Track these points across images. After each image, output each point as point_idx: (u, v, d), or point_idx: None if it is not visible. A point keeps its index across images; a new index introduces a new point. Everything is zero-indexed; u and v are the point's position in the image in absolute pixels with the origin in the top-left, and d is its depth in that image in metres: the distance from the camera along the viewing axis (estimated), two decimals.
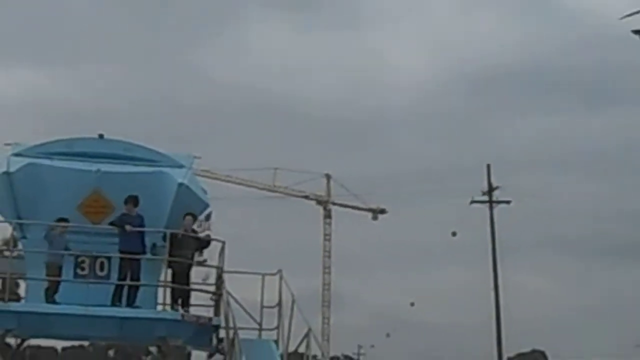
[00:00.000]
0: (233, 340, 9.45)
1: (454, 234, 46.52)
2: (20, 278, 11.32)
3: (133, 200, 10.00)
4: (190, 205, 10.55)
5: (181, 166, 10.65)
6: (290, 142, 79.28)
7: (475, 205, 38.08)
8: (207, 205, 11.58)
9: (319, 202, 58.56)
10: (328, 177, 57.79)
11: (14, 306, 10.12)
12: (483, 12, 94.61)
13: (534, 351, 47.56)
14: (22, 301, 11.08)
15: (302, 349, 9.98)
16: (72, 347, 50.37)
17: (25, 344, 12.89)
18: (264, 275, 10.58)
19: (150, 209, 10.17)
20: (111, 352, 56.33)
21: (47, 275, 9.86)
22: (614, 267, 78.23)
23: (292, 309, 9.88)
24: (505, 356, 36.53)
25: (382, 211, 58.46)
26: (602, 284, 69.39)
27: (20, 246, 10.93)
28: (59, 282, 9.85)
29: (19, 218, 10.44)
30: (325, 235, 58.59)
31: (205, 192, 11.27)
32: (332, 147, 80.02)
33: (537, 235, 65.90)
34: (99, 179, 10.20)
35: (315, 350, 10.45)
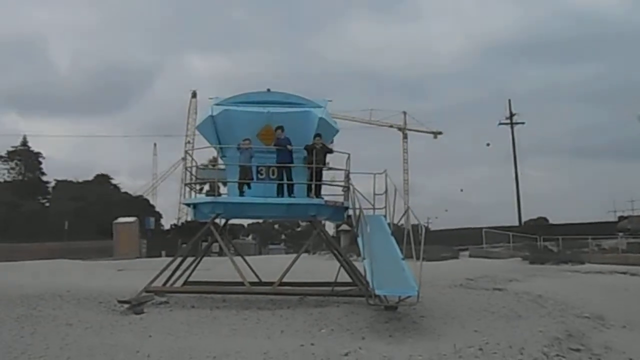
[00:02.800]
0: (359, 216, 14.13)
1: (487, 144, 70.40)
2: (223, 181, 16.57)
3: (280, 128, 14.94)
4: (326, 131, 15.37)
5: (320, 106, 15.47)
6: (378, 93, 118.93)
7: (501, 126, 64.27)
8: (337, 131, 16.30)
9: (399, 129, 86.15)
10: (404, 113, 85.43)
11: (221, 198, 15.40)
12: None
13: (539, 217, 61.16)
14: (225, 196, 16.08)
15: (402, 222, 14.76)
16: (253, 223, 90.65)
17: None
18: (375, 174, 15.36)
19: (301, 135, 14.94)
20: (276, 226, 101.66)
21: (241, 174, 14.92)
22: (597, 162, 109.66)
23: (394, 195, 14.55)
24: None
25: (440, 133, 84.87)
26: (587, 173, 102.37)
27: (220, 162, 16.58)
28: (250, 179, 15.05)
29: (220, 144, 15.70)
30: (403, 150, 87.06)
31: (335, 122, 16.29)
32: (404, 94, 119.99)
33: (540, 144, 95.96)
34: (269, 116, 15.19)
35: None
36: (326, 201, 15.07)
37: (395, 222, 14.67)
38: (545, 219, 60.86)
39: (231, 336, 10.72)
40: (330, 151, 15.39)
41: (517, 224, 56.59)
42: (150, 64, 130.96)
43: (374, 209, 15.14)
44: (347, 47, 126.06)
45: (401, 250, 13.24)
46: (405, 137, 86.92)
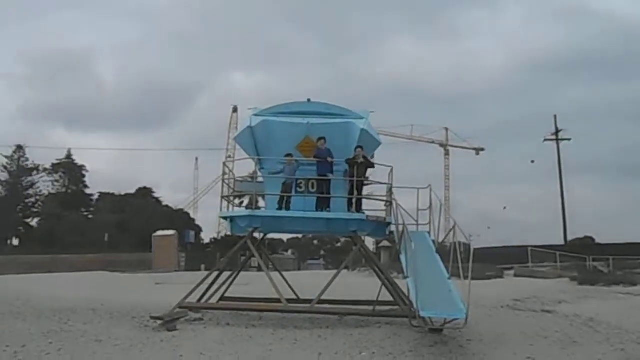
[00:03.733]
0: (402, 232, 13.31)
1: (532, 161, 67.24)
2: (262, 194, 15.97)
3: (322, 139, 14.44)
4: (368, 143, 14.76)
5: (362, 118, 14.87)
6: (419, 109, 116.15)
7: (546, 142, 62.28)
8: (379, 144, 15.67)
9: (441, 145, 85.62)
10: (446, 129, 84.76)
11: (259, 212, 15.04)
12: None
13: (585, 237, 59.89)
14: (263, 209, 15.67)
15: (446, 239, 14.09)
16: (293, 238, 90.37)
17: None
18: (418, 189, 14.75)
19: (342, 147, 14.37)
20: (315, 241, 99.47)
21: (284, 191, 14.39)
22: None
23: (440, 210, 13.87)
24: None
25: (482, 149, 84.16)
26: (633, 192, 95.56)
27: (259, 174, 16.07)
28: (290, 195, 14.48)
29: (258, 156, 15.21)
30: (445, 166, 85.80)
31: (377, 135, 15.56)
32: (446, 110, 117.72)
33: (586, 162, 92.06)
34: (309, 128, 14.72)
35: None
36: (368, 216, 14.45)
37: (440, 239, 13.95)
38: (592, 239, 59.26)
39: (267, 357, 10.14)
40: (372, 165, 14.79)
41: (561, 242, 54.69)
42: (194, 81, 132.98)
43: (417, 224, 14.49)
44: (387, 63, 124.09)
45: (447, 268, 12.52)
46: (447, 153, 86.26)
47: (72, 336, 11.18)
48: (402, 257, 12.86)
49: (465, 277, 10.90)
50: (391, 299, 15.09)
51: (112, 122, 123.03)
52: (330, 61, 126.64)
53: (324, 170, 14.48)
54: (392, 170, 14.69)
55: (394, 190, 14.67)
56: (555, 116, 63.83)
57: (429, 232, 14.28)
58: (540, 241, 47.51)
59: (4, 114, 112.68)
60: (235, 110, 76.83)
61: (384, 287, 14.88)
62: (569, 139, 62.49)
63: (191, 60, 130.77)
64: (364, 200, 14.95)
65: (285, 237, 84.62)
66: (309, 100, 15.29)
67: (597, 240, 57.38)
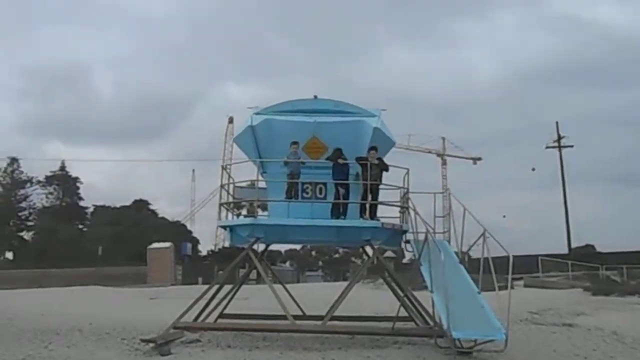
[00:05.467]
0: (425, 240, 11.94)
1: (533, 169, 65.27)
2: (265, 201, 14.56)
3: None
4: (382, 143, 13.45)
5: (374, 115, 13.61)
6: (415, 120, 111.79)
7: (548, 150, 61.10)
8: (393, 143, 14.47)
9: (438, 155, 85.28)
10: (443, 138, 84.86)
11: (262, 220, 13.54)
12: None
13: (586, 245, 57.84)
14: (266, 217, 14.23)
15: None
16: (290, 249, 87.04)
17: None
18: (435, 193, 13.53)
19: (354, 147, 13.08)
20: (313, 252, 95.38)
21: (289, 186, 13.12)
22: None
23: (464, 216, 12.13)
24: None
25: (479, 158, 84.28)
26: (635, 200, 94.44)
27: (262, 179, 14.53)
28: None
29: (260, 158, 13.81)
30: (443, 175, 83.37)
31: (391, 134, 14.15)
32: (443, 119, 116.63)
33: (583, 170, 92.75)
34: (316, 127, 13.43)
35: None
36: (383, 223, 13.05)
37: (465, 248, 12.57)
38: (593, 247, 57.96)
39: None
40: (387, 168, 13.39)
41: (564, 251, 53.51)
42: (189, 93, 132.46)
43: (434, 233, 12.73)
44: (382, 74, 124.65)
45: (474, 281, 11.17)
46: (444, 163, 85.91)
47: None
48: (424, 269, 11.47)
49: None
50: (406, 314, 13.76)
51: (108, 135, 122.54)
52: (326, 71, 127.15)
53: (342, 175, 13.22)
54: (407, 173, 13.36)
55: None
56: (557, 123, 62.87)
57: (448, 241, 12.94)
58: (541, 250, 46.58)
59: (0, 128, 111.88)
60: (231, 121, 75.85)
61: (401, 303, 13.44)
62: (572, 146, 61.68)
63: (186, 72, 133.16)
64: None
65: (283, 247, 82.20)
66: (315, 97, 13.98)
67: (598, 249, 56.45)
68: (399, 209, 13.85)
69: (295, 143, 13.25)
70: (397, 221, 13.82)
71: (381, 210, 13.89)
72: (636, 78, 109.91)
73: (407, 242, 13.44)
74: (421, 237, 12.56)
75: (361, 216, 13.11)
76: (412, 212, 12.95)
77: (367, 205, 12.94)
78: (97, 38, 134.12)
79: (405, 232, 13.40)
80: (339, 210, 13.12)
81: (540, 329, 15.41)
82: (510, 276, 9.72)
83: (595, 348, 12.14)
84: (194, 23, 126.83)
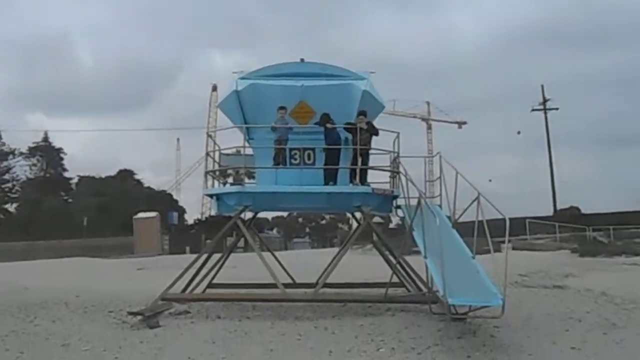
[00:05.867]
0: (417, 205, 11.37)
1: (518, 132, 69.84)
2: (252, 168, 14.32)
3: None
4: (371, 107, 13.02)
5: (363, 79, 13.14)
6: (399, 83, 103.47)
7: (533, 112, 62.69)
8: (383, 107, 14.06)
9: (423, 119, 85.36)
10: (428, 103, 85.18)
11: (250, 188, 13.31)
12: None
13: (571, 207, 58.49)
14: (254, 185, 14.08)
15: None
16: (277, 216, 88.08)
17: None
18: (425, 157, 13.15)
19: (342, 112, 12.71)
20: (300, 219, 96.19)
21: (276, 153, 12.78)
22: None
23: (456, 179, 11.55)
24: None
25: (464, 123, 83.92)
26: (618, 161, 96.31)
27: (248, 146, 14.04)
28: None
29: (246, 124, 13.40)
30: (428, 140, 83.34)
31: (381, 97, 13.71)
32: (428, 84, 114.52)
33: (567, 133, 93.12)
34: (304, 91, 12.94)
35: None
36: (374, 189, 12.74)
37: (458, 214, 12.17)
38: (578, 209, 58.31)
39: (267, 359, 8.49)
40: (377, 132, 12.99)
41: (549, 213, 54.30)
42: (172, 62, 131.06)
43: (424, 197, 11.87)
44: (367, 39, 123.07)
45: (469, 246, 10.94)
46: (429, 127, 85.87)
47: (36, 339, 9.42)
48: (416, 235, 11.19)
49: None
50: (396, 280, 13.57)
51: (90, 105, 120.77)
52: (309, 37, 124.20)
53: (334, 140, 12.83)
54: (398, 136, 13.00)
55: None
56: (542, 85, 64.19)
57: (439, 205, 12.56)
58: (527, 212, 46.60)
59: None
60: (214, 89, 75.27)
61: (391, 269, 13.23)
62: (557, 109, 63.04)
63: (168, 40, 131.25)
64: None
65: (269, 215, 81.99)
66: (302, 60, 13.48)
67: (583, 211, 56.70)
68: (388, 174, 13.54)
69: (282, 108, 12.82)
70: (387, 186, 13.54)
71: (369, 176, 13.59)
72: (619, 39, 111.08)
73: (398, 207, 13.15)
74: (412, 202, 12.25)
75: (351, 182, 12.79)
76: (402, 177, 12.63)
77: (357, 171, 12.61)
78: (76, 6, 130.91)
79: (396, 197, 13.10)
80: (332, 176, 12.75)
81: (531, 292, 15.28)
82: (507, 239, 9.48)
83: (589, 310, 11.96)
84: None
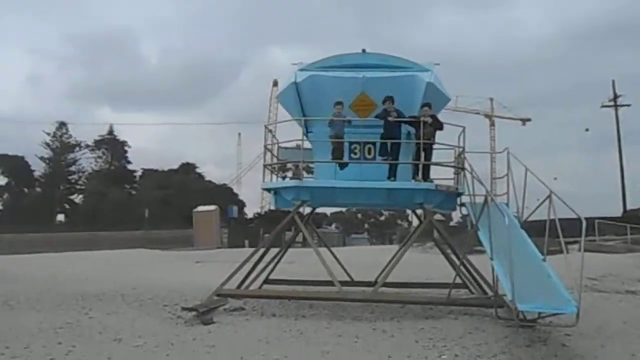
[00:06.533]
0: (485, 203, 10.74)
1: (587, 130, 69.26)
2: (311, 162, 13.98)
3: (390, 99, 12.20)
4: (436, 99, 12.48)
5: (427, 70, 12.56)
6: (462, 78, 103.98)
7: (604, 109, 59.43)
8: (448, 99, 13.41)
9: (486, 116, 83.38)
10: (491, 99, 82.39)
11: (308, 182, 12.87)
12: None
13: None
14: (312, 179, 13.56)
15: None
16: (336, 211, 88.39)
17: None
18: (491, 153, 12.42)
19: (406, 104, 12.16)
20: (359, 215, 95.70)
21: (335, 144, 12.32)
22: None
23: (525, 177, 10.89)
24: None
25: (528, 119, 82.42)
26: None
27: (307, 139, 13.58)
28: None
29: (305, 117, 13.01)
30: (491, 137, 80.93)
31: (446, 89, 13.04)
32: (491, 80, 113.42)
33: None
34: (365, 83, 12.47)
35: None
36: (437, 185, 12.16)
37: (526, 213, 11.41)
38: None
39: None
40: (441, 126, 12.40)
41: (617, 214, 51.63)
42: (234, 58, 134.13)
43: (491, 195, 11.39)
44: (430, 34, 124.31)
45: (538, 248, 10.24)
46: (492, 124, 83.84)
47: (89, 333, 9.29)
48: (482, 234, 10.57)
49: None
50: (459, 281, 12.95)
51: (155, 100, 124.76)
52: (369, 34, 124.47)
53: (393, 132, 12.26)
54: (464, 131, 12.32)
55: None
56: (613, 81, 60.56)
57: (506, 204, 11.74)
58: (594, 213, 44.49)
59: (51, 94, 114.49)
60: (275, 84, 75.16)
61: (454, 269, 12.63)
62: (629, 105, 59.46)
63: (232, 36, 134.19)
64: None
65: (328, 210, 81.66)
66: (363, 50, 12.97)
67: None
68: (452, 170, 12.93)
69: (339, 103, 12.37)
70: (451, 183, 12.93)
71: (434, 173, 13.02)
72: None
73: (462, 205, 12.53)
74: (477, 199, 11.63)
75: (414, 178, 12.25)
76: (468, 174, 12.00)
77: (420, 166, 12.06)
78: (142, 3, 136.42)
79: (460, 194, 12.48)
80: (393, 172, 12.25)
81: (603, 297, 14.43)
82: (582, 241, 8.89)
83: None
84: None
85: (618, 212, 53.62)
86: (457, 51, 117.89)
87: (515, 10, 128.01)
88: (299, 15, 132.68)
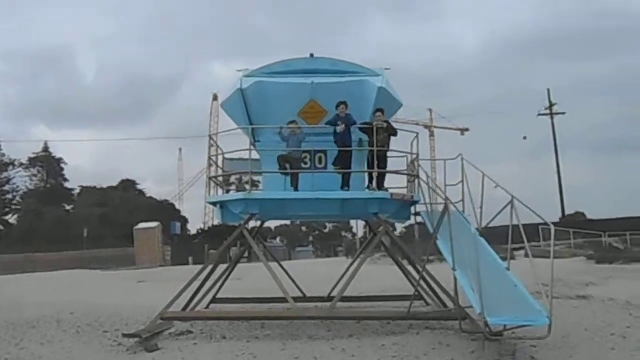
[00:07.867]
0: (444, 211, 10.29)
1: (524, 138, 66.86)
2: (259, 172, 13.21)
3: (343, 104, 11.68)
4: (388, 104, 12.07)
5: (378, 75, 12.17)
6: (400, 90, 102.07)
7: (540, 117, 61.69)
8: (401, 105, 12.95)
9: (426, 127, 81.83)
10: (430, 110, 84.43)
11: (257, 194, 12.18)
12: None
13: (576, 212, 57.66)
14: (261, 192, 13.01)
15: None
16: (280, 225, 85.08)
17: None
18: (445, 160, 12.04)
19: (357, 111, 11.69)
20: (304, 228, 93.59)
21: (291, 166, 11.68)
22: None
23: (482, 183, 10.62)
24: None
25: (466, 129, 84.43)
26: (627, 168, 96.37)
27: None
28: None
29: (251, 125, 12.38)
30: (431, 147, 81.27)
31: (397, 94, 12.67)
32: (429, 92, 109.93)
33: (580, 136, 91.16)
34: (314, 89, 11.96)
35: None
36: (392, 194, 11.66)
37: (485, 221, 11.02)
38: (583, 214, 57.39)
39: None
40: (395, 132, 11.96)
41: (554, 219, 52.52)
42: (174, 73, 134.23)
43: (451, 202, 10.82)
44: (368, 47, 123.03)
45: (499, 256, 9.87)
46: (432, 134, 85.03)
47: None
48: (441, 244, 10.13)
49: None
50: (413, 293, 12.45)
51: (93, 116, 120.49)
52: (311, 47, 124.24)
53: (346, 140, 11.74)
54: (417, 137, 11.95)
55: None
56: (548, 90, 63.43)
57: (462, 212, 11.35)
58: (532, 219, 45.09)
59: None
60: (215, 98, 75.02)
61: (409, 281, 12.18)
62: (563, 113, 62.30)
63: (170, 51, 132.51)
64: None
65: (273, 224, 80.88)
66: (312, 55, 12.45)
67: (588, 216, 55.71)
68: (405, 178, 12.50)
69: (293, 122, 11.82)
70: (404, 191, 12.46)
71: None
72: (621, 45, 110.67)
73: (418, 214, 12.09)
74: (433, 208, 11.24)
75: (368, 187, 11.73)
76: (422, 182, 11.58)
77: (375, 175, 11.55)
78: (79, 19, 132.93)
79: (415, 202, 12.02)
80: (346, 181, 11.73)
81: (559, 303, 14.08)
82: (552, 246, 8.79)
83: (629, 325, 10.90)
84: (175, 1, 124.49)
85: (556, 217, 54.87)
86: (396, 63, 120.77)
87: (452, 22, 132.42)
88: (239, 28, 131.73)
